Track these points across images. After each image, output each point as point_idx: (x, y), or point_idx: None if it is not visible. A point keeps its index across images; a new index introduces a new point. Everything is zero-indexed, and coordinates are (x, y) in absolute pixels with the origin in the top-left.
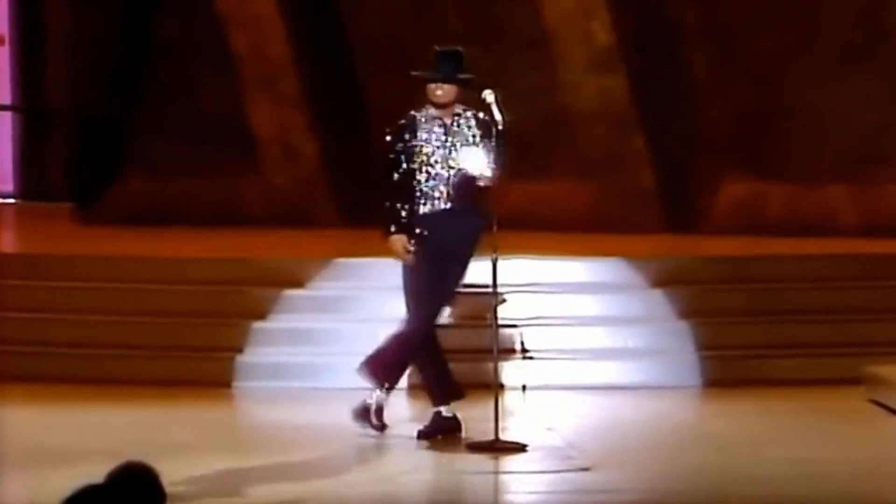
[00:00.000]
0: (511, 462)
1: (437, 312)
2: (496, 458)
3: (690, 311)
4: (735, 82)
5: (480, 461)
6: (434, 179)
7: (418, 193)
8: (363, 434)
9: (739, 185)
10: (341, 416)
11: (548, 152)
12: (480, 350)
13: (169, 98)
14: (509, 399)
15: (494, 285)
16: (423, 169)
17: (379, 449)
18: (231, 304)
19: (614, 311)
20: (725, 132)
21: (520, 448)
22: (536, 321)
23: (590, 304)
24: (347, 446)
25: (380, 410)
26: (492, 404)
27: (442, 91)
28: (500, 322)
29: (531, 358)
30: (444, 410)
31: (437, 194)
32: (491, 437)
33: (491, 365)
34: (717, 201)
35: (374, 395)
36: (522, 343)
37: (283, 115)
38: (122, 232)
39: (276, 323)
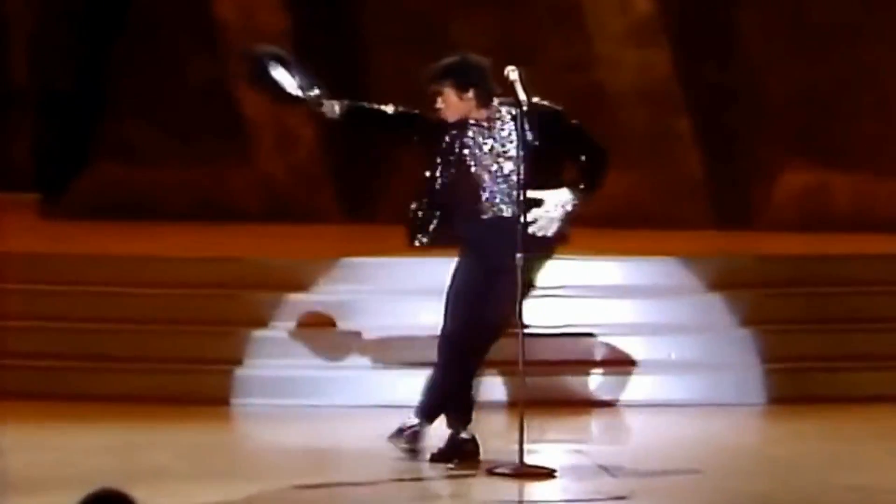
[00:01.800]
0: (537, 489)
1: (478, 325)
2: (520, 485)
3: (747, 319)
4: (796, 54)
5: (503, 488)
6: (478, 188)
7: (466, 202)
8: (375, 457)
9: (801, 174)
10: (349, 437)
11: None
12: (503, 362)
13: (146, 74)
14: (536, 417)
15: (520, 289)
16: (467, 175)
17: (389, 474)
18: (227, 309)
19: (656, 317)
20: (785, 113)
21: (547, 473)
22: (567, 329)
23: (628, 311)
24: (355, 471)
25: (416, 434)
26: (516, 423)
27: (439, 105)
28: (526, 330)
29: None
30: (464, 432)
31: (481, 204)
32: (515, 460)
33: (515, 378)
34: (774, 192)
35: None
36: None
37: None
38: (92, 227)
39: (277, 331)
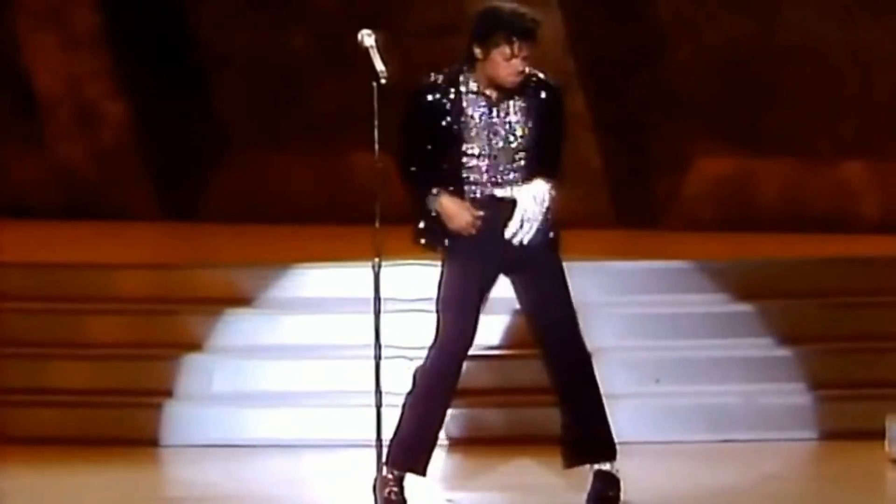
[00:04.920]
0: None
1: (465, 340)
2: None
3: None
4: (715, 19)
5: None
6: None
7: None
8: None
9: (720, 161)
10: None
11: None
12: (359, 391)
13: None
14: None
15: (378, 301)
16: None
17: None
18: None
19: None
20: (701, 89)
21: None
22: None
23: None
24: None
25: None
26: (373, 463)
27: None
28: (384, 352)
29: None
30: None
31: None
32: None
33: (372, 409)
34: (688, 183)
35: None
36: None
37: (77, 62)
38: None
39: None
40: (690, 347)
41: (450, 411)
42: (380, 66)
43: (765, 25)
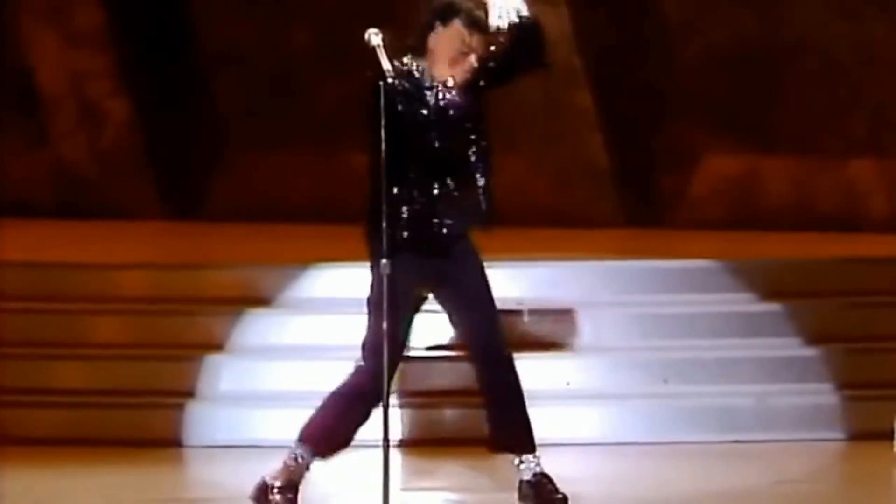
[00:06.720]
0: None
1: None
2: None
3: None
4: (722, 16)
5: None
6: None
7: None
8: None
9: (727, 160)
10: None
11: None
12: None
13: None
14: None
15: (385, 302)
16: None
17: None
18: None
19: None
20: (708, 87)
21: None
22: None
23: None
24: None
25: (289, 487)
26: (380, 461)
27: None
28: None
29: None
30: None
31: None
32: None
33: (378, 409)
34: (695, 182)
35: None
36: None
37: (80, 59)
38: None
39: None
40: (702, 347)
41: (408, 411)
42: (386, 65)
43: (772, 22)
